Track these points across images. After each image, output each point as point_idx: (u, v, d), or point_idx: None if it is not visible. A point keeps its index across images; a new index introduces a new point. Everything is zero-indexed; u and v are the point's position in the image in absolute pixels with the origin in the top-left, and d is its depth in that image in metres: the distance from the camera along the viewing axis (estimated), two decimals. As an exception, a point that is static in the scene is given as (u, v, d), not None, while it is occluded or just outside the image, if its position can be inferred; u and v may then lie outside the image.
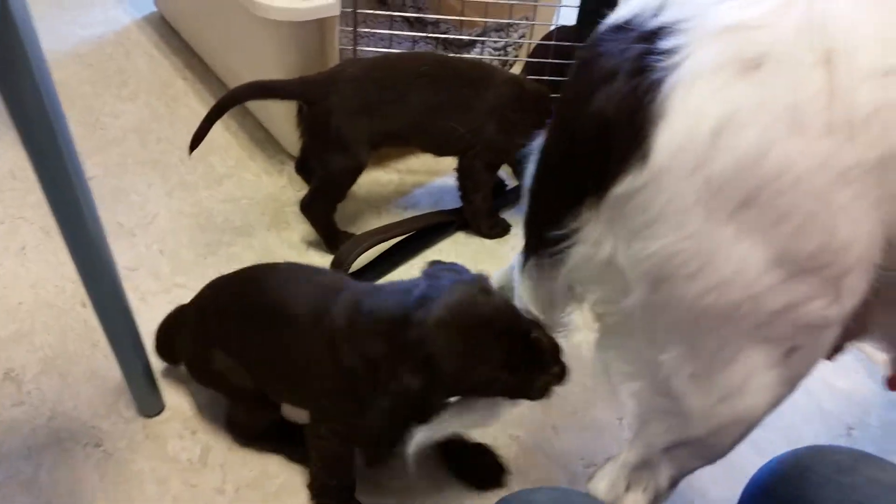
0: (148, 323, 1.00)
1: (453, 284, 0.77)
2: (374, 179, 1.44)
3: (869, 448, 1.04)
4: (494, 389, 0.78)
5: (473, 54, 1.46)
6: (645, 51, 0.56)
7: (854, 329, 0.69)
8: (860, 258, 0.56)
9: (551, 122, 0.68)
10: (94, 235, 0.82)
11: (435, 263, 0.84)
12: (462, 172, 1.28)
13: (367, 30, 1.29)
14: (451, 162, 1.32)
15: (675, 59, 0.54)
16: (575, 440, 1.03)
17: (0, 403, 1.01)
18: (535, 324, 0.77)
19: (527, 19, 1.48)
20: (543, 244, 0.69)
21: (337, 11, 1.16)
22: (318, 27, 1.20)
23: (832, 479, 0.64)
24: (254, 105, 1.52)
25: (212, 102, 1.18)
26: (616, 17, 0.63)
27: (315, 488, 0.94)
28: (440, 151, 1.30)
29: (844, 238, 0.55)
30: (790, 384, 0.65)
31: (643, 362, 0.67)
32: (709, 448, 0.70)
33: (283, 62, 1.27)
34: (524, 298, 0.78)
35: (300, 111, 1.20)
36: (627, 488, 0.75)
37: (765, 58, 0.53)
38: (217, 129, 1.51)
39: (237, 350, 0.91)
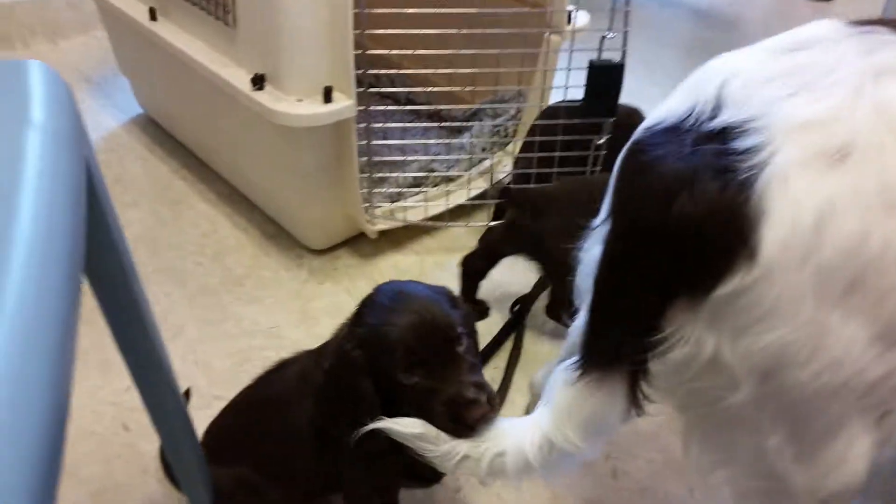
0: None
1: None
2: (394, 265, 1.45)
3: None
4: (408, 390, 0.74)
5: (475, 132, 1.51)
6: (719, 151, 0.59)
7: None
8: None
9: (609, 232, 0.68)
10: (161, 359, 0.80)
11: None
12: None
13: (379, 125, 1.32)
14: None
15: (760, 157, 0.58)
16: (649, 518, 1.04)
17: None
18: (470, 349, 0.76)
19: (520, 94, 1.54)
20: (618, 354, 0.69)
21: (354, 112, 1.19)
22: (335, 129, 1.22)
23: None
24: (261, 199, 1.54)
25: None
26: (658, 119, 0.66)
27: None
28: None
29: None
30: (881, 447, 0.69)
31: (741, 450, 0.70)
32: None
33: (301, 164, 1.29)
34: (563, 418, 0.72)
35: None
36: None
37: (850, 147, 0.57)
38: (226, 227, 1.53)
39: (250, 459, 0.91)
